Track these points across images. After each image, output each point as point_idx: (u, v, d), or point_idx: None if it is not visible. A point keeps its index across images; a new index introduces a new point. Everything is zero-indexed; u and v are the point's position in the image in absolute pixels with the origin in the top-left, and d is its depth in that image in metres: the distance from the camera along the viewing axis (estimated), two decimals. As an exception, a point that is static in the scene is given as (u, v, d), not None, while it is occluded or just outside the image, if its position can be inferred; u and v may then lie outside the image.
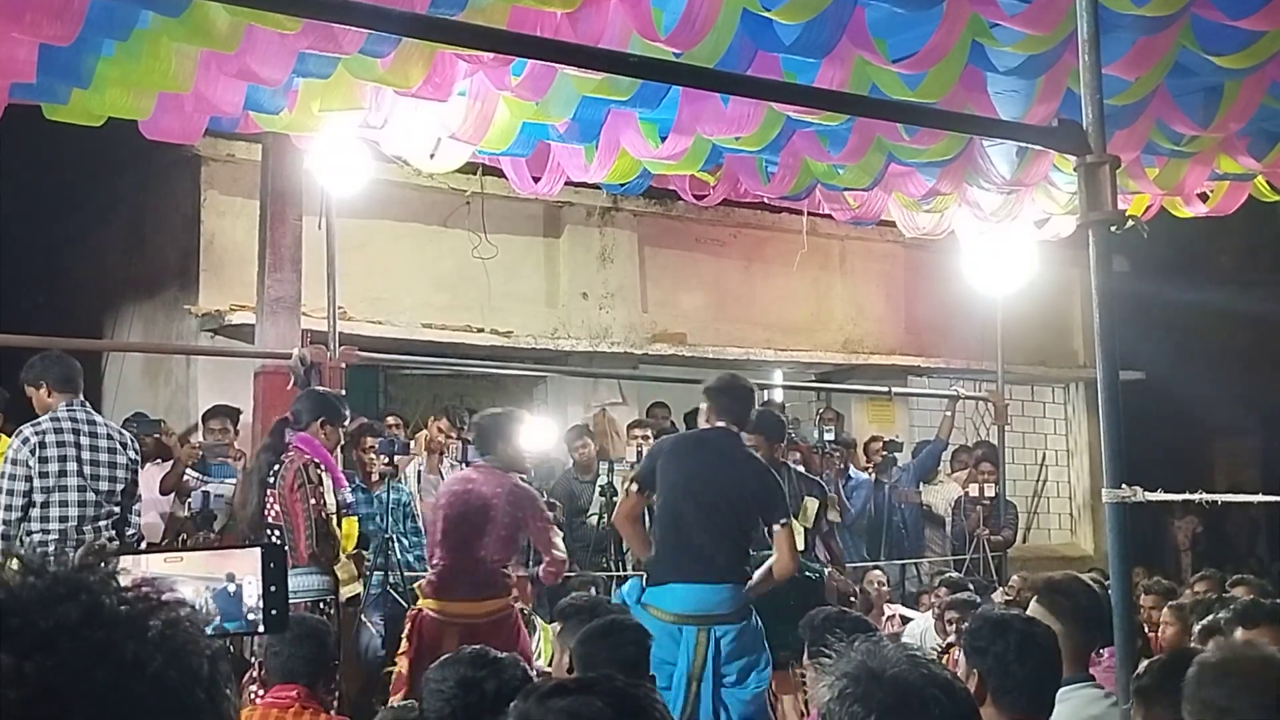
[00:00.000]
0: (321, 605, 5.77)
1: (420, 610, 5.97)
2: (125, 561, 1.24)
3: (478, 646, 3.35)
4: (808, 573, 5.84)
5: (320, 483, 5.86)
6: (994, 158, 6.93)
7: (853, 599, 6.87)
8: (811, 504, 6.18)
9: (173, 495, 7.95)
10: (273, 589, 1.50)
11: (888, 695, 1.81)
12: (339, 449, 7.47)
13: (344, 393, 7.38)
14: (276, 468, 5.91)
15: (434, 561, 6.04)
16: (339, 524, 5.97)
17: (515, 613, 5.91)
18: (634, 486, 5.47)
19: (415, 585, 6.54)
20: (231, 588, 1.48)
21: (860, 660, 1.87)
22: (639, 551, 5.54)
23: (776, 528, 5.24)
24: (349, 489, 6.32)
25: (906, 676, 1.84)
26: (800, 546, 6.01)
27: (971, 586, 7.21)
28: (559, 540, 6.09)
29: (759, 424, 6.24)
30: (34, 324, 8.12)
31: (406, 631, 5.92)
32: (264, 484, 5.91)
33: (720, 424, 5.42)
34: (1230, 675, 2.36)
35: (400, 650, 5.92)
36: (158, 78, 5.43)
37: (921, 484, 10.31)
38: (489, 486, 5.93)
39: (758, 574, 5.29)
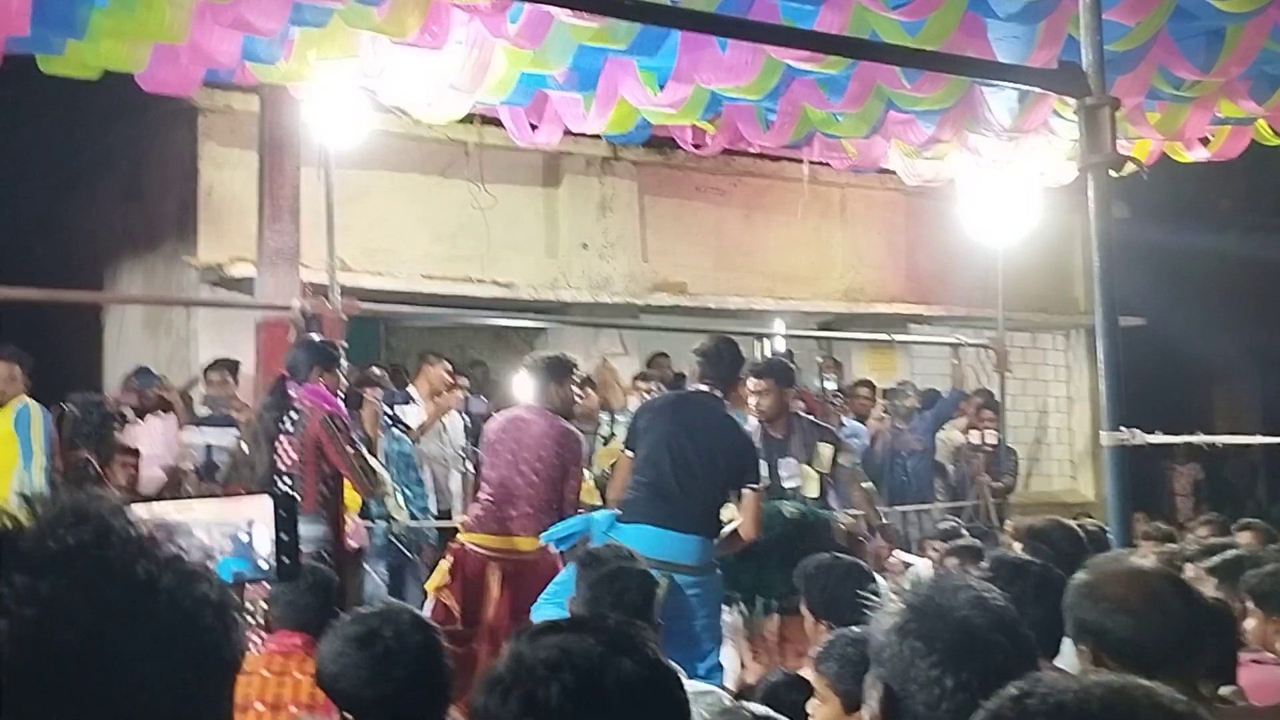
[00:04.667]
0: (322, 554, 5.80)
1: (463, 545, 5.97)
2: (138, 509, 1.26)
3: None
4: (815, 515, 5.89)
5: (348, 430, 5.93)
6: (994, 105, 6.88)
7: (863, 539, 6.89)
8: (826, 450, 6.22)
9: (176, 448, 7.98)
10: (284, 537, 1.51)
11: (952, 635, 1.75)
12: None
13: (345, 345, 7.39)
14: (294, 417, 5.88)
15: (480, 496, 6.06)
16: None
17: (556, 553, 5.83)
18: (628, 452, 5.50)
19: (460, 521, 6.55)
20: (244, 536, 1.50)
21: (928, 595, 1.81)
22: (614, 494, 5.57)
23: (746, 491, 5.32)
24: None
25: (974, 620, 1.77)
26: (815, 493, 6.11)
27: (966, 533, 7.23)
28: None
29: (770, 370, 6.33)
30: (33, 277, 8.11)
31: (449, 566, 5.90)
32: (272, 439, 5.88)
33: (704, 387, 5.53)
34: (1102, 595, 2.35)
35: (442, 584, 5.89)
36: (152, 28, 5.39)
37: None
38: (540, 426, 5.96)
39: (724, 533, 5.35)
